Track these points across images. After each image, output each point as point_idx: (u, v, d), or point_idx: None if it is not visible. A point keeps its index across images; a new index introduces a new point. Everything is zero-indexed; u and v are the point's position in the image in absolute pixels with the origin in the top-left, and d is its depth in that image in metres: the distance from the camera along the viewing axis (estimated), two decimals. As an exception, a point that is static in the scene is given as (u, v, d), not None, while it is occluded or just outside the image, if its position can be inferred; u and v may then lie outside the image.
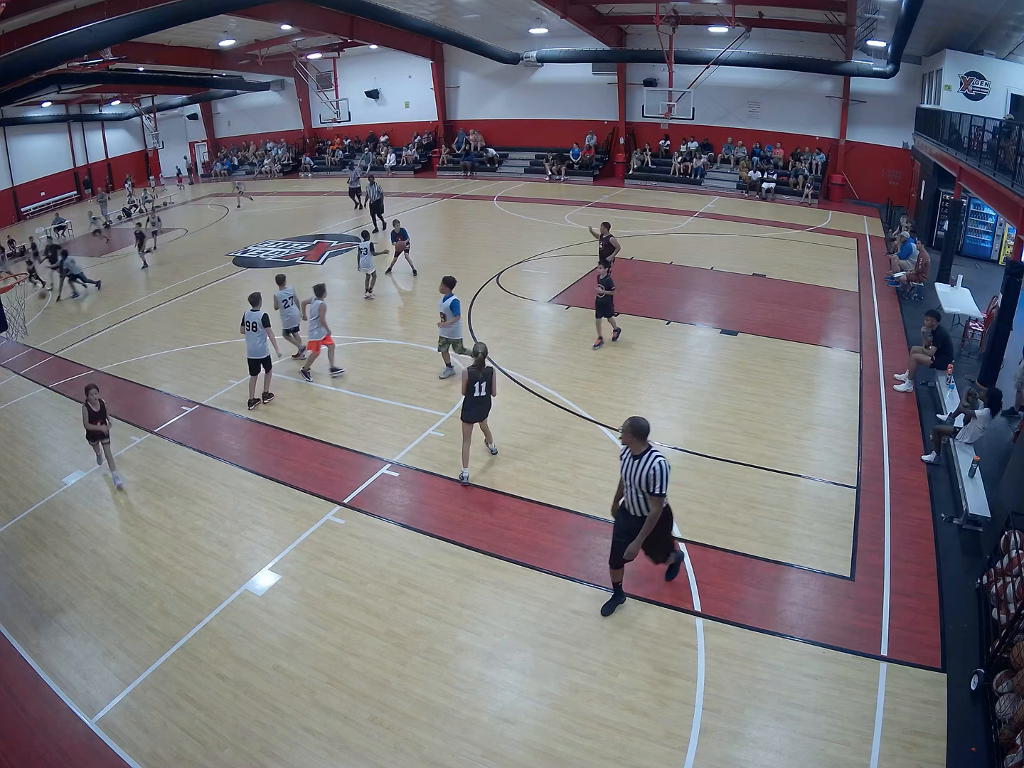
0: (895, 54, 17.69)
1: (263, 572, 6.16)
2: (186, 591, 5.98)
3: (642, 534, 4.95)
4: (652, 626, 5.38)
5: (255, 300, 9.06)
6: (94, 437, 7.62)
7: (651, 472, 4.76)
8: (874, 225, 18.85)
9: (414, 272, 14.72)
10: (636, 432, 4.83)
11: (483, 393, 7.08)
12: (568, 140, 26.23)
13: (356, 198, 21.87)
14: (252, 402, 9.16)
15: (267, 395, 9.32)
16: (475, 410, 7.20)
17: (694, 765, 4.30)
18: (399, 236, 14.38)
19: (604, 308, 10.29)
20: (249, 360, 9.07)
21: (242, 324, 9.00)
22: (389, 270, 14.80)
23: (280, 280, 10.15)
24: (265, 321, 8.92)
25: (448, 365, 9.81)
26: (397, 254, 14.63)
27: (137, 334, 12.36)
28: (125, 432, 8.75)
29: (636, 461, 4.85)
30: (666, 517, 5.11)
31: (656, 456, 4.80)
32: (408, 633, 5.40)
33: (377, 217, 18.74)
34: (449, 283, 9.18)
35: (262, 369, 9.14)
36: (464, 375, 7.05)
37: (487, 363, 7.13)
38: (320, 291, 9.66)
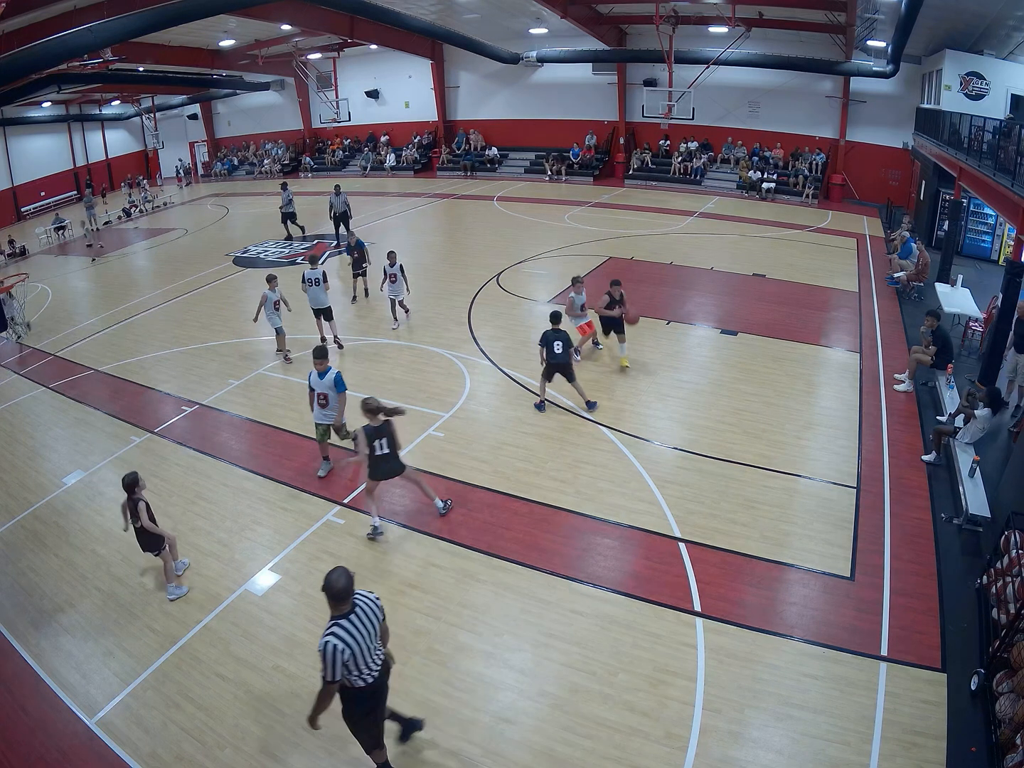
0: (895, 54, 17.69)
1: (263, 572, 6.16)
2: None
3: (312, 711, 3.86)
4: (652, 626, 5.38)
5: (313, 260, 10.66)
6: (156, 544, 5.93)
7: (319, 648, 3.64)
8: (874, 225, 18.85)
9: (366, 293, 13.03)
10: (326, 591, 3.70)
11: (386, 451, 6.13)
12: (568, 140, 26.23)
13: (289, 226, 18.32)
14: (323, 339, 10.67)
15: (337, 341, 10.81)
16: (383, 468, 6.26)
17: (694, 765, 4.30)
18: (356, 249, 12.62)
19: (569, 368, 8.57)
20: (313, 310, 10.59)
21: (303, 281, 10.40)
22: (355, 298, 13.12)
23: (312, 260, 10.73)
24: (324, 277, 10.39)
25: (349, 432, 7.57)
26: (356, 275, 12.92)
27: (137, 334, 12.36)
28: (125, 432, 8.76)
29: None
30: (364, 710, 3.96)
31: (327, 632, 3.66)
32: (408, 633, 5.40)
33: (343, 229, 16.79)
34: (325, 354, 7.19)
35: (322, 318, 10.63)
36: (360, 435, 6.08)
37: (383, 416, 6.13)
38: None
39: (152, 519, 5.88)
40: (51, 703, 4.96)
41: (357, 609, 3.77)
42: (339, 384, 7.15)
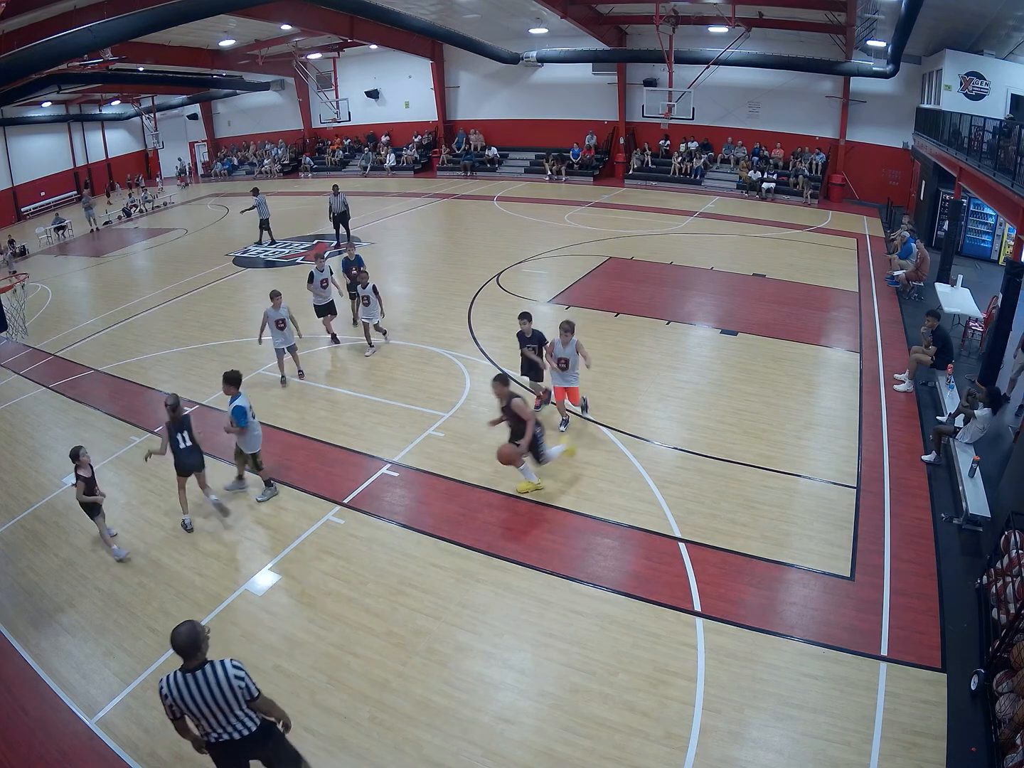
0: (895, 54, 17.69)
1: (263, 572, 6.16)
2: (186, 591, 5.98)
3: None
4: (652, 626, 5.38)
5: (318, 258, 10.93)
6: (94, 510, 6.53)
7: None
8: (874, 225, 18.85)
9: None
10: (171, 643, 3.56)
11: (189, 443, 6.55)
12: (568, 140, 26.22)
13: (264, 232, 18.08)
14: (334, 337, 11.18)
15: (333, 337, 11.08)
16: (188, 462, 6.61)
17: (694, 765, 4.30)
18: (355, 265, 11.14)
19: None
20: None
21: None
22: (355, 320, 11.49)
23: (317, 259, 10.91)
24: (310, 278, 10.60)
25: (240, 477, 7.44)
26: (352, 295, 11.40)
27: (137, 334, 12.35)
28: (125, 432, 8.77)
29: None
30: (215, 761, 3.83)
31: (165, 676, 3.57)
32: (408, 633, 5.40)
33: (343, 229, 17.01)
34: (232, 380, 6.80)
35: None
36: (163, 431, 6.63)
37: (183, 410, 6.58)
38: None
39: (90, 493, 6.43)
40: (51, 703, 4.96)
41: (200, 674, 3.50)
42: (238, 415, 6.73)
